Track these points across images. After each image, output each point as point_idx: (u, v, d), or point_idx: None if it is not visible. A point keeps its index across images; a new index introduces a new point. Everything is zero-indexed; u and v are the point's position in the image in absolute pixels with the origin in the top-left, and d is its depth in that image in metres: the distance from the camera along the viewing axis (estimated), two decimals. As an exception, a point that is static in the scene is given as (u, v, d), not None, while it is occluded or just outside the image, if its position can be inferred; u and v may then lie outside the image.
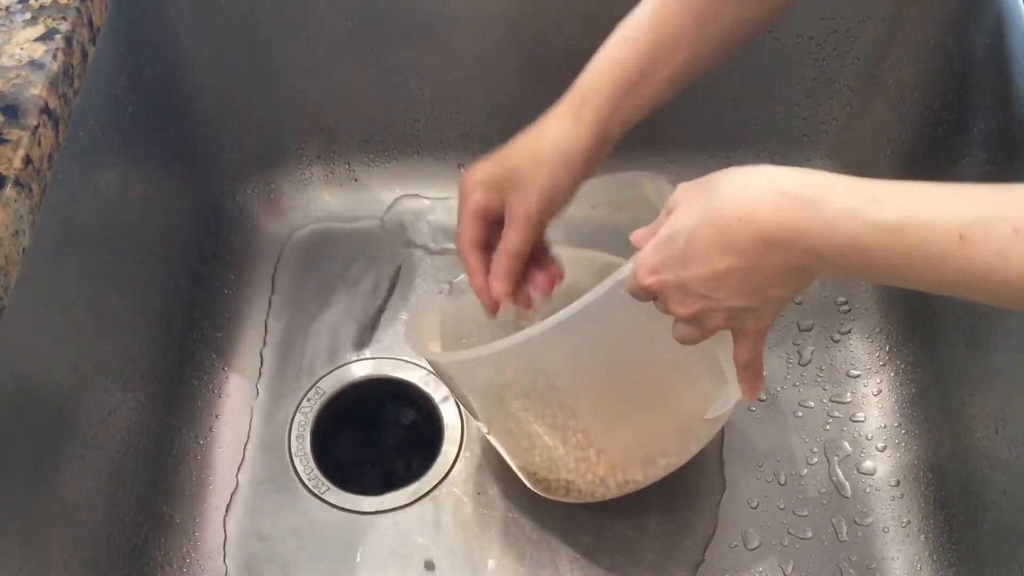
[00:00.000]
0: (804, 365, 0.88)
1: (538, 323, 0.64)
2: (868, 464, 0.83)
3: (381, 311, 0.92)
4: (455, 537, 0.80)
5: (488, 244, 0.69)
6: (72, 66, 0.67)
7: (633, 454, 0.75)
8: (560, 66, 0.70)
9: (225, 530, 0.81)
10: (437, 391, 0.87)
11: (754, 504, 0.81)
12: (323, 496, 0.82)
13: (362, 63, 0.92)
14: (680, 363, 0.66)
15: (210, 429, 0.86)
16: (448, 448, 0.84)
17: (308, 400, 0.87)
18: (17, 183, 0.59)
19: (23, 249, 0.59)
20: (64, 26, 0.67)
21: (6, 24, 0.67)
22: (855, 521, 0.81)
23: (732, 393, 0.66)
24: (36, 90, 0.63)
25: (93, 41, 0.71)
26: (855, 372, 0.88)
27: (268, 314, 0.92)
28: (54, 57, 0.65)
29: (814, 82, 0.91)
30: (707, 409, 0.71)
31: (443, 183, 0.98)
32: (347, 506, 0.82)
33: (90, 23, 0.70)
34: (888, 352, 0.88)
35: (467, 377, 0.73)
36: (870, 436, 0.85)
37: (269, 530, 0.81)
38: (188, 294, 0.89)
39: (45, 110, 0.63)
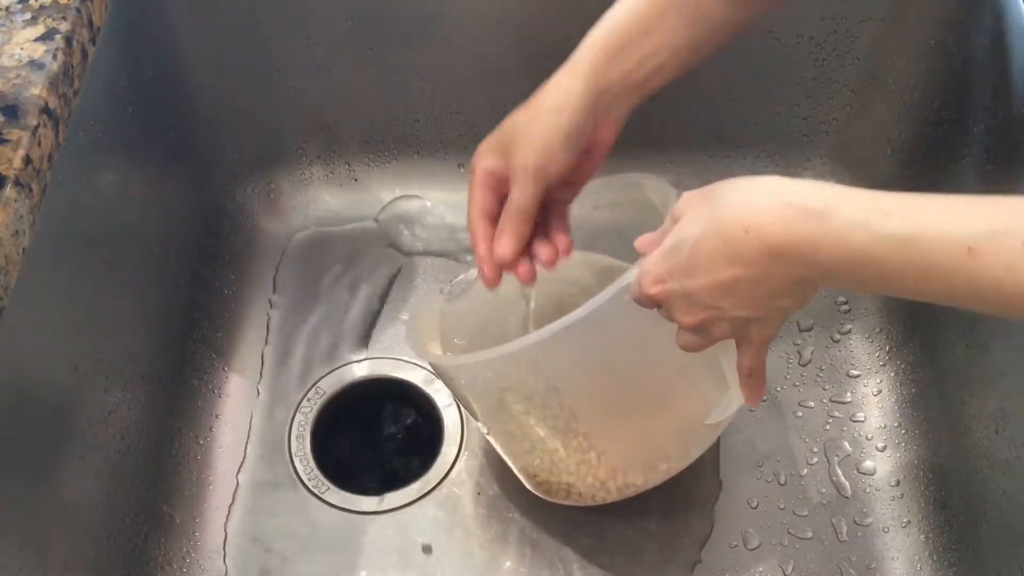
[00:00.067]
0: (804, 365, 0.88)
1: (543, 328, 0.64)
2: (868, 464, 0.83)
3: (381, 311, 0.92)
4: (455, 537, 0.80)
5: (497, 214, 0.68)
6: (72, 66, 0.67)
7: (634, 458, 0.75)
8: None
9: (225, 530, 0.81)
10: (437, 391, 0.87)
11: (754, 504, 0.81)
12: (323, 496, 0.82)
13: (362, 63, 0.92)
14: (682, 368, 0.66)
15: (210, 429, 0.86)
16: (448, 448, 0.84)
17: (308, 400, 0.87)
18: (17, 183, 0.59)
19: (23, 249, 0.59)
20: (64, 26, 0.67)
21: (6, 24, 0.67)
22: (855, 521, 0.81)
23: (734, 399, 0.66)
24: (36, 90, 0.63)
25: (93, 41, 0.71)
26: (855, 372, 0.88)
27: (269, 314, 0.92)
28: (54, 57, 0.65)
29: (814, 82, 0.91)
30: (709, 414, 0.71)
31: (443, 183, 0.98)
32: (347, 506, 0.82)
33: (90, 23, 0.70)
34: (888, 352, 0.88)
35: (469, 379, 0.73)
36: (870, 436, 0.85)
37: (269, 530, 0.81)
38: (188, 294, 0.89)
39: (45, 110, 0.63)
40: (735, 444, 0.83)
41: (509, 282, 0.81)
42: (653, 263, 0.57)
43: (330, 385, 0.88)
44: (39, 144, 0.62)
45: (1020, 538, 0.70)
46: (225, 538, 0.81)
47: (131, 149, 0.81)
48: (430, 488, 0.83)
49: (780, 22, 0.88)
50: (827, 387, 0.87)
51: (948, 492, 0.79)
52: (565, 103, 0.65)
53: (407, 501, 0.82)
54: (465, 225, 0.96)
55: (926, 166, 0.86)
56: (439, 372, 0.78)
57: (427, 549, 0.80)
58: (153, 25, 0.85)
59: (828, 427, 0.85)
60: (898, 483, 0.82)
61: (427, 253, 0.96)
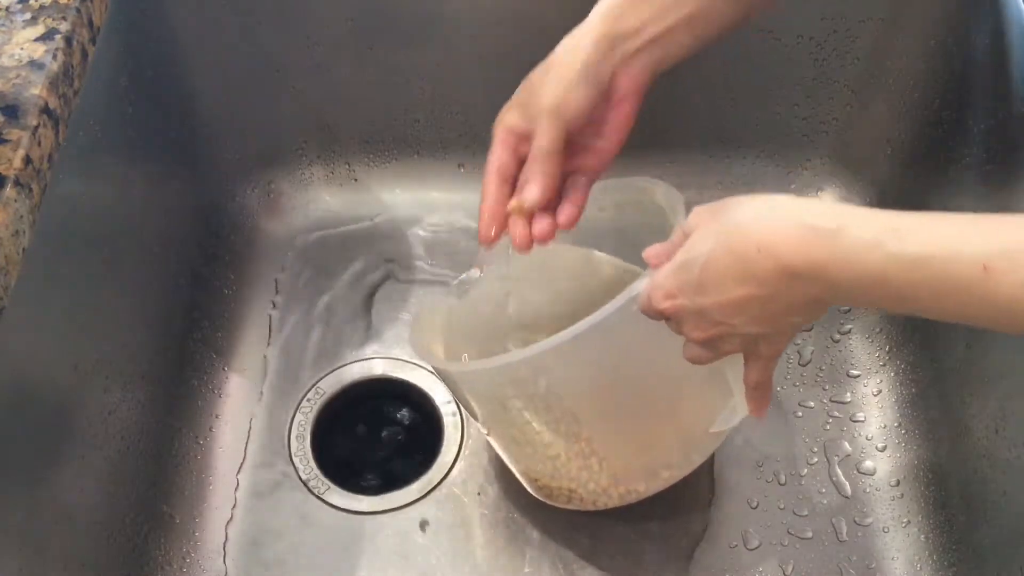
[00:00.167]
0: (804, 365, 0.88)
1: (550, 337, 0.64)
2: (868, 464, 0.83)
3: (381, 311, 0.92)
4: (455, 537, 0.80)
5: (513, 176, 0.68)
6: (72, 66, 0.67)
7: (636, 465, 0.75)
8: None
9: (225, 530, 0.81)
10: (437, 391, 0.87)
11: (754, 504, 0.81)
12: (323, 496, 0.82)
13: (362, 63, 0.92)
14: (686, 377, 0.66)
15: (210, 429, 0.86)
16: (448, 448, 0.84)
17: (308, 400, 0.87)
18: (17, 183, 0.59)
19: (23, 249, 0.59)
20: (64, 26, 0.67)
21: (6, 24, 0.67)
22: (855, 521, 0.81)
23: (739, 410, 0.66)
24: (36, 90, 0.63)
25: (93, 41, 0.71)
26: (855, 372, 0.88)
27: (269, 314, 0.92)
28: (54, 57, 0.65)
29: (814, 82, 0.91)
30: (712, 422, 0.71)
31: (443, 183, 0.98)
32: (347, 506, 0.82)
33: (90, 23, 0.70)
34: (888, 352, 0.88)
35: (472, 383, 0.73)
36: (870, 436, 0.85)
37: (269, 530, 0.81)
38: (188, 294, 0.89)
39: (45, 110, 0.63)
40: (734, 444, 0.83)
41: (513, 282, 0.81)
42: (664, 278, 0.57)
43: (330, 385, 0.88)
44: (39, 144, 0.62)
45: (1020, 538, 0.70)
46: (225, 538, 0.81)
47: (131, 149, 0.81)
48: (430, 488, 0.83)
49: (780, 22, 0.88)
50: (827, 387, 0.87)
51: (948, 492, 0.79)
52: (579, 45, 0.65)
53: (407, 501, 0.82)
54: (468, 223, 0.97)
55: (926, 166, 0.86)
56: (443, 377, 0.78)
57: (427, 550, 0.80)
58: (153, 25, 0.85)
59: (828, 427, 0.85)
60: (898, 483, 0.82)
61: (428, 253, 0.96)
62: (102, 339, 0.74)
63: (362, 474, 0.86)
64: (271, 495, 0.83)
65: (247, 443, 0.85)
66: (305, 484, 0.83)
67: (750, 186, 0.96)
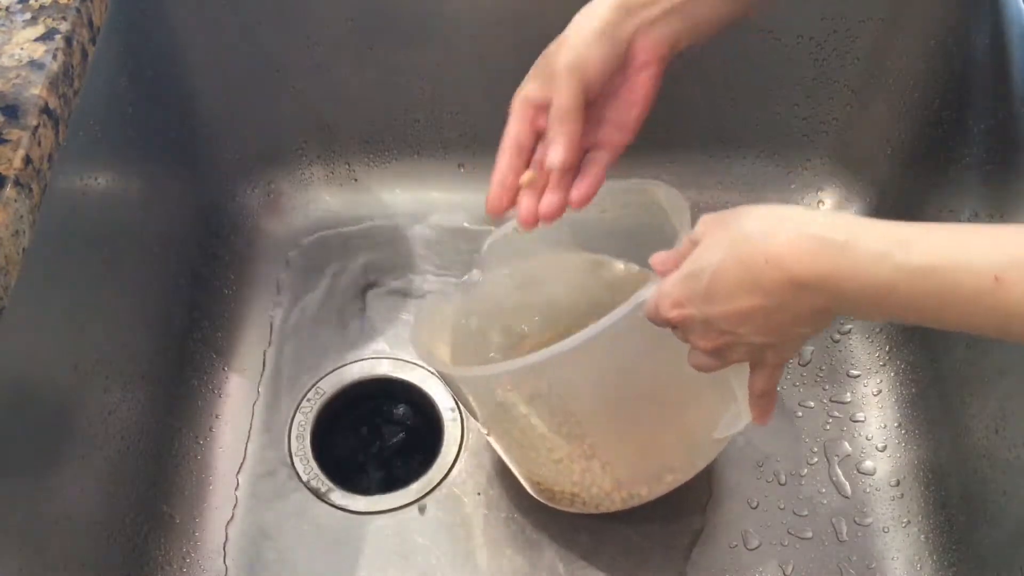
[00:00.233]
0: (804, 365, 0.88)
1: (556, 344, 0.64)
2: (868, 464, 0.83)
3: (381, 311, 0.92)
4: (455, 537, 0.80)
5: (529, 149, 0.67)
6: (72, 66, 0.67)
7: (639, 470, 0.75)
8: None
9: (225, 530, 0.81)
10: (437, 391, 0.87)
11: (754, 504, 0.81)
12: (323, 496, 0.82)
13: (362, 63, 0.92)
14: (691, 383, 0.66)
15: (210, 429, 0.86)
16: (448, 448, 0.84)
17: (308, 400, 0.87)
18: (17, 183, 0.59)
19: (23, 249, 0.59)
20: (64, 26, 0.67)
21: (6, 24, 0.67)
22: (855, 521, 0.81)
23: (743, 416, 0.66)
24: (36, 90, 0.63)
25: (93, 41, 0.71)
26: (855, 372, 0.88)
27: (269, 314, 0.92)
28: (54, 57, 0.65)
29: (814, 82, 0.91)
30: (715, 427, 0.71)
31: (443, 183, 0.98)
32: (347, 506, 0.82)
33: (90, 23, 0.70)
34: (888, 352, 0.88)
35: (477, 388, 0.73)
36: (870, 436, 0.85)
37: (269, 530, 0.81)
38: (188, 294, 0.89)
39: (45, 110, 0.63)
40: (735, 444, 0.83)
41: (516, 282, 0.81)
42: (672, 286, 0.57)
43: (330, 385, 0.88)
44: (39, 144, 0.62)
45: (1020, 538, 0.70)
46: (225, 538, 0.81)
47: (131, 149, 0.81)
48: (430, 488, 0.83)
49: (780, 22, 0.88)
50: (827, 387, 0.87)
51: (948, 492, 0.79)
52: (596, 11, 0.64)
53: (407, 501, 0.82)
54: (468, 223, 0.97)
55: (926, 166, 0.86)
56: (446, 380, 0.78)
57: (427, 550, 0.80)
58: (153, 25, 0.85)
59: (828, 427, 0.85)
60: (898, 483, 0.82)
61: (429, 252, 0.96)
62: (102, 339, 0.74)
63: (362, 474, 0.86)
64: (271, 495, 0.83)
65: (247, 443, 0.85)
66: (305, 484, 0.83)
67: (750, 186, 0.96)
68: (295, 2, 0.88)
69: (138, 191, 0.83)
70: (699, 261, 0.55)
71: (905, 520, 0.81)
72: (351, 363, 0.89)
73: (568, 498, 0.76)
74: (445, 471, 0.83)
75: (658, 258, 0.60)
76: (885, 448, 0.84)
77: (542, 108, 0.65)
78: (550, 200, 0.66)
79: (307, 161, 0.98)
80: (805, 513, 0.81)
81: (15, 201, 0.59)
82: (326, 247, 0.97)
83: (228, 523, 0.81)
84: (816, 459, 0.84)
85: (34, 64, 0.65)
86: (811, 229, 0.51)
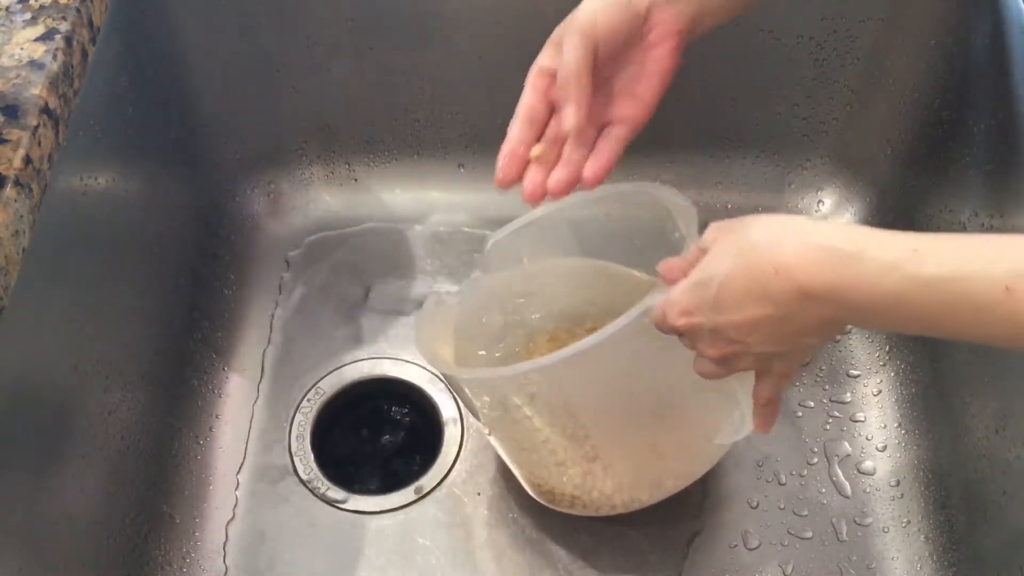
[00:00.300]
0: (804, 365, 0.88)
1: (561, 350, 0.64)
2: (868, 464, 0.83)
3: (381, 311, 0.92)
4: (455, 537, 0.80)
5: (542, 121, 0.65)
6: (72, 66, 0.67)
7: (641, 474, 0.75)
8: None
9: (225, 530, 0.81)
10: (437, 391, 0.87)
11: (754, 504, 0.81)
12: (323, 496, 0.82)
13: (362, 63, 0.92)
14: (696, 390, 0.66)
15: (210, 429, 0.86)
16: (448, 448, 0.84)
17: (308, 400, 0.87)
18: (17, 183, 0.59)
19: (23, 249, 0.59)
20: (64, 26, 0.67)
21: (6, 24, 0.67)
22: (855, 521, 0.81)
23: (746, 424, 0.66)
24: (36, 90, 0.63)
25: (93, 41, 0.71)
26: (855, 372, 0.88)
27: (269, 314, 0.92)
28: (54, 57, 0.65)
29: (814, 82, 0.91)
30: (717, 433, 0.71)
31: (443, 183, 0.98)
32: (347, 506, 0.82)
33: (90, 23, 0.70)
34: (888, 352, 0.88)
35: (481, 391, 0.73)
36: (870, 436, 0.85)
37: (269, 530, 0.81)
38: (188, 294, 0.89)
39: (45, 110, 0.63)
40: (735, 445, 0.83)
41: (519, 284, 0.81)
42: (680, 295, 0.56)
43: (330, 385, 0.88)
44: (39, 144, 0.62)
45: (1021, 538, 0.70)
46: (225, 538, 0.81)
47: (131, 149, 0.81)
48: (430, 488, 0.83)
49: (780, 22, 0.88)
50: (827, 387, 0.87)
51: (948, 492, 0.79)
52: None
53: (407, 501, 0.82)
54: (468, 223, 0.97)
55: (926, 166, 0.86)
56: (450, 381, 0.78)
57: (427, 550, 0.80)
58: (153, 25, 0.85)
59: (828, 427, 0.85)
60: (898, 483, 0.82)
61: (429, 252, 0.96)
62: (102, 339, 0.74)
63: (362, 474, 0.86)
64: (271, 495, 0.83)
65: (247, 443, 0.85)
66: (305, 484, 0.83)
67: (750, 186, 0.97)
68: (295, 2, 0.88)
69: (138, 191, 0.83)
70: (708, 270, 0.55)
71: (905, 520, 0.81)
72: (351, 363, 0.89)
73: (568, 500, 0.76)
74: (445, 471, 0.83)
75: (666, 265, 0.60)
76: (885, 448, 0.84)
77: (556, 78, 0.64)
78: (559, 175, 0.64)
79: (307, 161, 0.98)
80: (805, 513, 0.81)
81: (15, 201, 0.59)
82: (326, 247, 0.97)
83: (228, 523, 0.81)
84: (816, 459, 0.84)
85: (34, 64, 0.65)
86: (820, 239, 0.51)
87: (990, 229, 0.75)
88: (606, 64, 0.64)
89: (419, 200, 0.98)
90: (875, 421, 0.86)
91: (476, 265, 0.79)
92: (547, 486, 0.76)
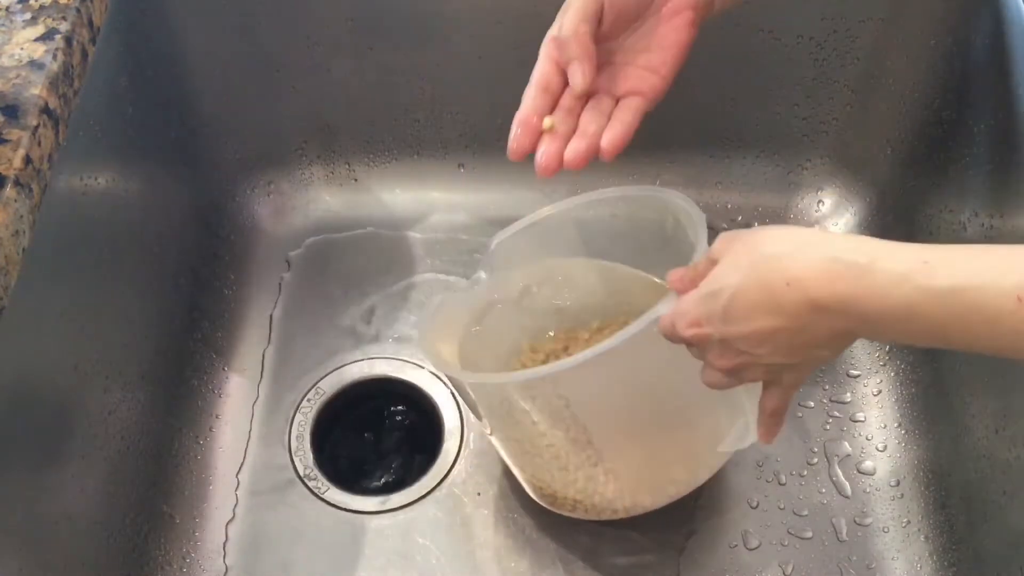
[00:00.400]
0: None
1: (569, 358, 0.64)
2: (868, 464, 0.83)
3: (382, 311, 0.92)
4: (455, 537, 0.80)
5: (556, 91, 0.64)
6: (72, 66, 0.67)
7: (643, 480, 0.75)
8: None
9: (225, 530, 0.81)
10: (437, 391, 0.87)
11: (754, 504, 0.81)
12: (323, 496, 0.82)
13: (362, 63, 0.92)
14: (702, 398, 0.66)
15: (210, 429, 0.86)
16: (448, 448, 0.84)
17: (308, 400, 0.87)
18: (17, 183, 0.59)
19: (23, 249, 0.59)
20: (64, 26, 0.67)
21: (6, 24, 0.67)
22: (855, 521, 0.81)
23: (751, 432, 0.66)
24: (36, 90, 0.63)
25: (93, 41, 0.71)
26: (855, 372, 0.88)
27: (269, 314, 0.92)
28: (54, 57, 0.65)
29: (814, 82, 0.91)
30: (721, 440, 0.71)
31: (443, 183, 0.98)
32: (347, 506, 0.82)
33: (90, 23, 0.70)
34: (888, 352, 0.88)
35: (486, 394, 0.73)
36: (870, 436, 0.85)
37: (269, 530, 0.81)
38: (188, 294, 0.89)
39: (45, 110, 0.63)
40: (735, 444, 0.83)
41: (524, 285, 0.81)
42: (689, 305, 0.56)
43: (330, 385, 0.88)
44: (39, 144, 0.62)
45: (1020, 538, 0.70)
46: (225, 538, 0.81)
47: (131, 149, 0.81)
48: (430, 488, 0.83)
49: (780, 22, 0.88)
50: (827, 387, 0.87)
51: (948, 492, 0.79)
52: None
53: (407, 501, 0.82)
54: (468, 223, 0.97)
55: (926, 166, 0.86)
56: (451, 381, 0.78)
57: (427, 550, 0.80)
58: (153, 25, 0.85)
59: (828, 427, 0.85)
60: (898, 483, 0.82)
61: (429, 252, 0.96)
62: (102, 339, 0.74)
63: (362, 474, 0.86)
64: (271, 495, 0.83)
65: (247, 443, 0.85)
66: (305, 484, 0.83)
67: (750, 186, 0.97)
68: (295, 2, 0.88)
69: (138, 191, 0.83)
70: (718, 281, 0.54)
71: (905, 520, 0.81)
72: (351, 363, 0.89)
73: (571, 504, 0.76)
74: (445, 471, 0.83)
75: (675, 275, 0.59)
76: (885, 448, 0.84)
77: None
78: (577, 146, 0.63)
79: (307, 161, 0.98)
80: (805, 513, 0.81)
81: (15, 201, 0.59)
82: (326, 247, 0.97)
83: (228, 523, 0.81)
84: (816, 459, 0.84)
85: (34, 64, 0.65)
86: (832, 251, 0.50)
87: (990, 229, 0.75)
88: (617, 30, 0.64)
89: (419, 200, 0.98)
90: (875, 421, 0.86)
91: (477, 265, 0.79)
92: (549, 489, 0.75)
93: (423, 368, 0.88)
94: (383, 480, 0.85)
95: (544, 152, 0.63)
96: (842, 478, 0.83)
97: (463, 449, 0.84)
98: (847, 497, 0.82)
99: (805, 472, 0.83)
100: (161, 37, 0.86)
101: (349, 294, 0.93)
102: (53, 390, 0.69)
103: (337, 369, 0.89)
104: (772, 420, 0.61)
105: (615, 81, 0.65)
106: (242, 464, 0.84)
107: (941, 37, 0.84)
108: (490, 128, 0.94)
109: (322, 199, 0.99)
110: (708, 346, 0.56)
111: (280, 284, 0.94)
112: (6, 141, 0.60)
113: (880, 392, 0.87)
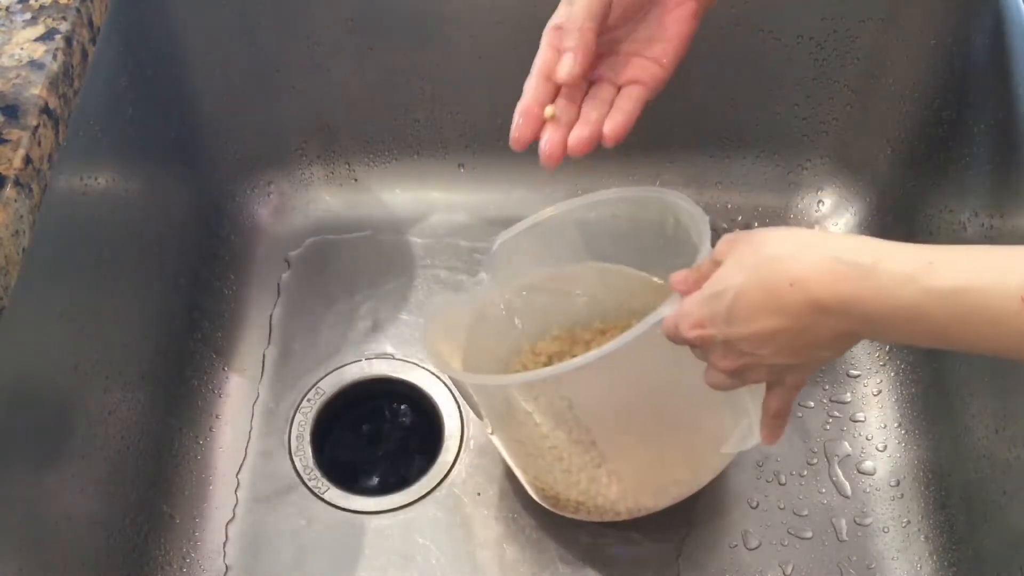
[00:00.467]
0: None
1: (573, 359, 0.64)
2: (868, 464, 0.83)
3: (382, 311, 0.92)
4: (455, 537, 0.80)
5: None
6: (72, 66, 0.67)
7: (646, 482, 0.75)
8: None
9: (225, 530, 0.81)
10: (437, 391, 0.87)
11: (754, 504, 0.81)
12: (323, 496, 0.82)
13: (362, 63, 0.92)
14: (705, 400, 0.66)
15: (210, 429, 0.86)
16: (448, 448, 0.84)
17: (308, 400, 0.87)
18: (17, 183, 0.59)
19: (23, 249, 0.59)
20: (64, 26, 0.67)
21: (6, 24, 0.67)
22: (855, 521, 0.81)
23: (754, 433, 0.66)
24: (36, 90, 0.63)
25: (93, 41, 0.71)
26: (855, 372, 0.88)
27: (269, 314, 0.92)
28: (54, 57, 0.65)
29: (814, 82, 0.91)
30: (724, 442, 0.71)
31: (443, 183, 0.98)
32: (347, 506, 0.82)
33: (90, 23, 0.70)
34: (888, 352, 0.88)
35: (490, 396, 0.73)
36: (870, 436, 0.85)
37: (269, 530, 0.81)
38: (188, 294, 0.89)
39: (45, 110, 0.63)
40: (735, 445, 0.83)
41: (526, 287, 0.81)
42: (694, 307, 0.56)
43: (330, 385, 0.88)
44: (39, 144, 0.62)
45: (1021, 538, 0.70)
46: (225, 538, 0.81)
47: (131, 149, 0.81)
48: (430, 488, 0.82)
49: (780, 22, 0.88)
50: (827, 387, 0.87)
51: (948, 492, 0.79)
52: None
53: (407, 501, 0.82)
54: (468, 224, 0.97)
55: (926, 166, 0.86)
56: (455, 383, 0.78)
57: (427, 550, 0.80)
58: (153, 25, 0.85)
59: (828, 427, 0.85)
60: (898, 483, 0.82)
61: (429, 253, 0.96)
62: (102, 339, 0.74)
63: (362, 474, 0.86)
64: (271, 495, 0.83)
65: (247, 443, 0.85)
66: (305, 484, 0.83)
67: (750, 186, 0.97)
68: (295, 2, 0.88)
69: (138, 191, 0.83)
70: (721, 282, 0.54)
71: (905, 520, 0.81)
72: (351, 363, 0.89)
73: (573, 506, 0.76)
74: (445, 471, 0.83)
75: (678, 277, 0.59)
76: (885, 448, 0.84)
77: None
78: (580, 133, 0.63)
79: (307, 161, 0.98)
80: (805, 513, 0.81)
81: (15, 201, 0.59)
82: (326, 247, 0.97)
83: (228, 523, 0.81)
84: (816, 459, 0.84)
85: (34, 64, 0.65)
86: (836, 252, 0.50)
87: (990, 229, 0.75)
88: (621, 23, 0.64)
89: (419, 200, 0.98)
90: (875, 421, 0.86)
91: (477, 265, 0.79)
92: (552, 491, 0.75)
93: (423, 368, 0.88)
94: (383, 480, 0.85)
95: (548, 140, 0.63)
96: (842, 478, 0.83)
97: (463, 449, 0.84)
98: (847, 497, 0.82)
99: (805, 472, 0.83)
100: (161, 37, 0.86)
101: (349, 294, 0.93)
102: (53, 390, 0.69)
103: (337, 369, 0.89)
104: (775, 421, 0.61)
105: (617, 70, 0.65)
106: (242, 464, 0.84)
107: (941, 37, 0.84)
108: (490, 128, 0.94)
109: (322, 199, 0.99)
110: (711, 347, 0.56)
111: (280, 284, 0.94)
112: (6, 141, 0.60)
113: (880, 392, 0.87)
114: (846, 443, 0.84)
